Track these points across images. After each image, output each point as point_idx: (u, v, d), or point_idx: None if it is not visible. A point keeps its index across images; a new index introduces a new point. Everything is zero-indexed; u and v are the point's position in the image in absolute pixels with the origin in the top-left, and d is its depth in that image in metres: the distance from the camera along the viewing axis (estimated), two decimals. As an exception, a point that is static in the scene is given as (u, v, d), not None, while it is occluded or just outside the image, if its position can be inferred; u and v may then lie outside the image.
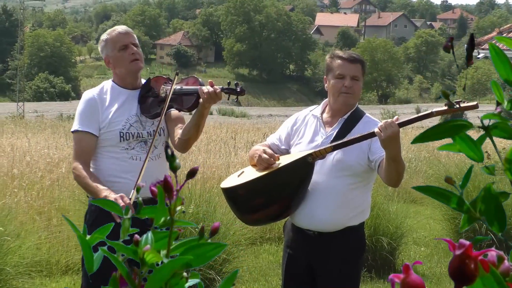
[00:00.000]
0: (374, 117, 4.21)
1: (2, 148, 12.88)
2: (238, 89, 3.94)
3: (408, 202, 11.26)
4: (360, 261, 4.21)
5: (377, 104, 70.23)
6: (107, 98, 4.27)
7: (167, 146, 0.99)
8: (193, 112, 4.13)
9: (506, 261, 0.90)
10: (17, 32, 66.55)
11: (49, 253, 7.33)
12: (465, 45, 0.99)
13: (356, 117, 4.10)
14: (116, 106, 4.24)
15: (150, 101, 4.27)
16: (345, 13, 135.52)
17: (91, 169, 4.19)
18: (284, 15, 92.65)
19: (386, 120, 3.66)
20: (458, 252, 0.87)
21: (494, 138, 0.97)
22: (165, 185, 0.95)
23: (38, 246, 7.39)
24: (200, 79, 4.17)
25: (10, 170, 10.02)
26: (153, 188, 0.96)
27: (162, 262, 0.92)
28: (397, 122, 3.65)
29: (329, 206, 3.98)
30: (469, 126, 0.95)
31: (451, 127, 0.95)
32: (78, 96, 73.06)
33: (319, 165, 3.99)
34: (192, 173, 0.99)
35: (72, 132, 4.26)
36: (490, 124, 0.95)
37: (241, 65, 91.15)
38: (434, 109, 3.52)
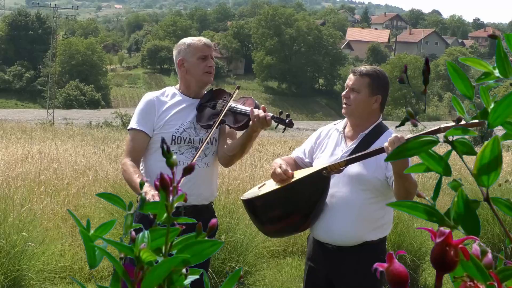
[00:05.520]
0: (400, 133, 4.18)
1: (31, 154, 13.00)
2: (287, 121, 3.99)
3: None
4: (380, 277, 4.16)
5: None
6: (167, 102, 4.36)
7: (162, 141, 0.98)
8: (243, 132, 4.21)
9: (489, 254, 0.92)
10: (49, 39, 67.35)
11: (73, 260, 7.36)
12: (422, 69, 1.02)
13: (378, 132, 4.08)
14: (174, 111, 4.32)
15: (206, 111, 4.34)
16: (376, 28, 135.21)
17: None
18: (315, 29, 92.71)
19: (396, 135, 3.67)
20: (438, 240, 0.88)
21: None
22: (161, 182, 0.94)
23: (62, 252, 7.43)
24: (256, 102, 4.24)
25: (38, 176, 10.11)
26: (157, 183, 0.95)
27: (157, 262, 0.92)
28: (406, 138, 3.66)
29: (346, 220, 3.97)
30: (436, 141, 0.97)
31: (419, 143, 0.98)
32: (107, 105, 73.77)
33: (337, 179, 3.99)
34: (189, 169, 0.97)
35: (128, 130, 4.38)
36: (455, 139, 0.98)
37: (270, 78, 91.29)
38: (442, 125, 3.51)
